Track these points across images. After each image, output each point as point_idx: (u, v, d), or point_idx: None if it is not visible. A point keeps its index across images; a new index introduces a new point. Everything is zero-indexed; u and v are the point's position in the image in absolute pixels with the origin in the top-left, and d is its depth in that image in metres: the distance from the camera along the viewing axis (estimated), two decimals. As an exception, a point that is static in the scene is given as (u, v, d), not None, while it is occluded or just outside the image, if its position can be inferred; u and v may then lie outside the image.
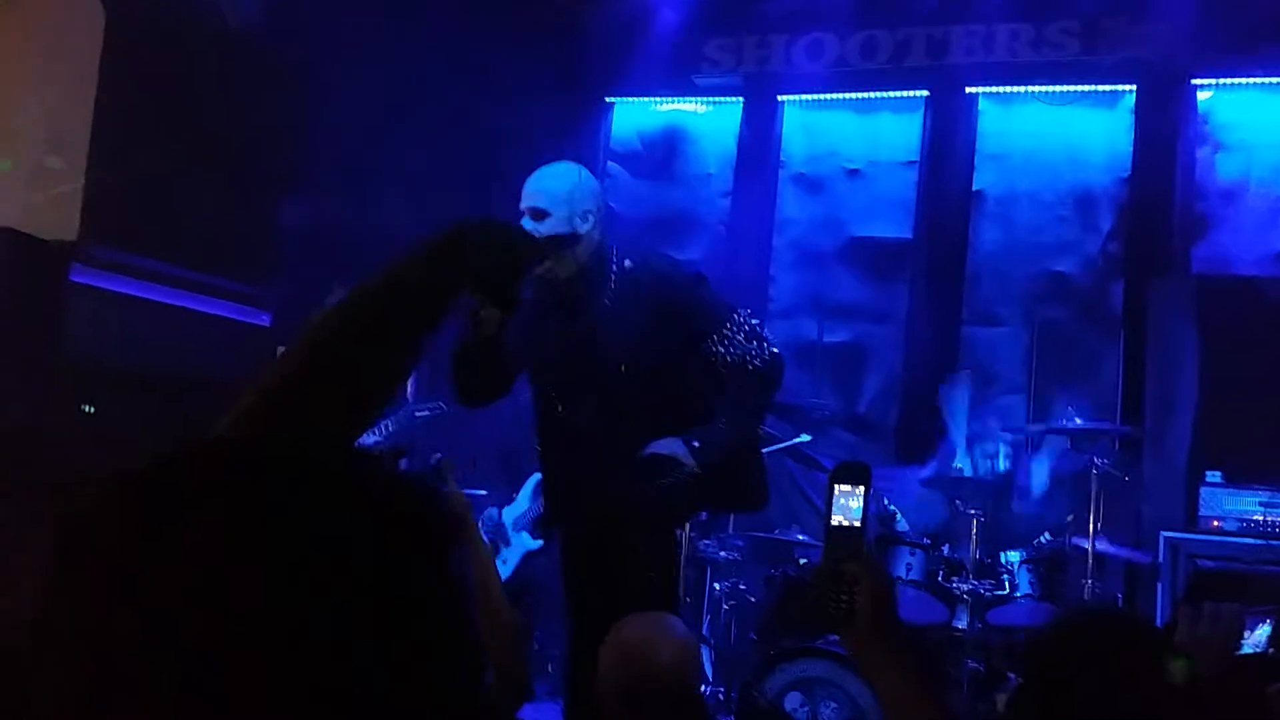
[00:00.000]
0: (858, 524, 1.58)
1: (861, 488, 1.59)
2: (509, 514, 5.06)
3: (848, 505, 1.60)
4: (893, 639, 1.55)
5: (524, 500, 5.06)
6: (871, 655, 1.55)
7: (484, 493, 5.13)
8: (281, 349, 4.68)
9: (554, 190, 3.11)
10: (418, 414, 4.74)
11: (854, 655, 1.58)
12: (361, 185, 6.10)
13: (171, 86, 5.23)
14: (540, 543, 4.84)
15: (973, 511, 4.64)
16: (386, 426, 4.64)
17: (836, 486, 1.59)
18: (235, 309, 6.01)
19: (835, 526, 1.58)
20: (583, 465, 3.15)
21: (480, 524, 4.89)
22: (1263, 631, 2.03)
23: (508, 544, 5.00)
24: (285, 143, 5.83)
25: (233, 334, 5.72)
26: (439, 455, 5.26)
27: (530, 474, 4.90)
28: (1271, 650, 2.01)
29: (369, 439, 4.65)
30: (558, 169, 3.20)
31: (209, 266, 5.79)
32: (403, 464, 5.49)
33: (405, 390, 4.99)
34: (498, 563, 4.91)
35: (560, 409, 3.17)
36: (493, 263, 1.27)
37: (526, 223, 3.09)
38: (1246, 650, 2.00)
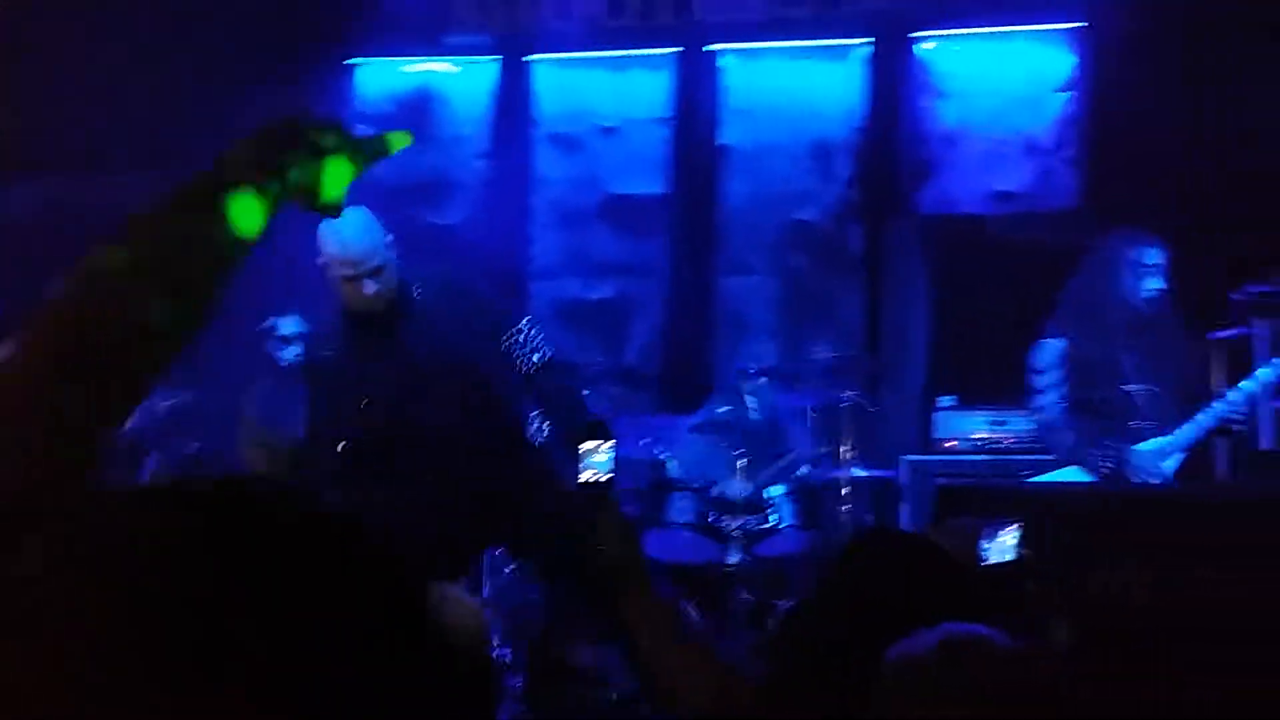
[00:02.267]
0: (608, 478, 1.68)
1: (610, 443, 1.68)
2: None
3: (596, 462, 1.70)
4: (641, 574, 1.65)
5: None
6: (620, 591, 1.66)
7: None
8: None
9: (371, 242, 3.11)
10: (161, 403, 4.52)
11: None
12: (99, 164, 5.75)
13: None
14: None
15: (737, 452, 4.86)
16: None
17: (582, 445, 1.68)
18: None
19: (585, 483, 1.68)
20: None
21: None
22: (1008, 539, 2.14)
23: None
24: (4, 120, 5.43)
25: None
26: (197, 445, 5.05)
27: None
28: (1023, 554, 2.13)
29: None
30: (353, 221, 3.12)
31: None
32: (150, 460, 5.22)
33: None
34: None
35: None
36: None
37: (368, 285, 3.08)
38: (994, 560, 2.14)
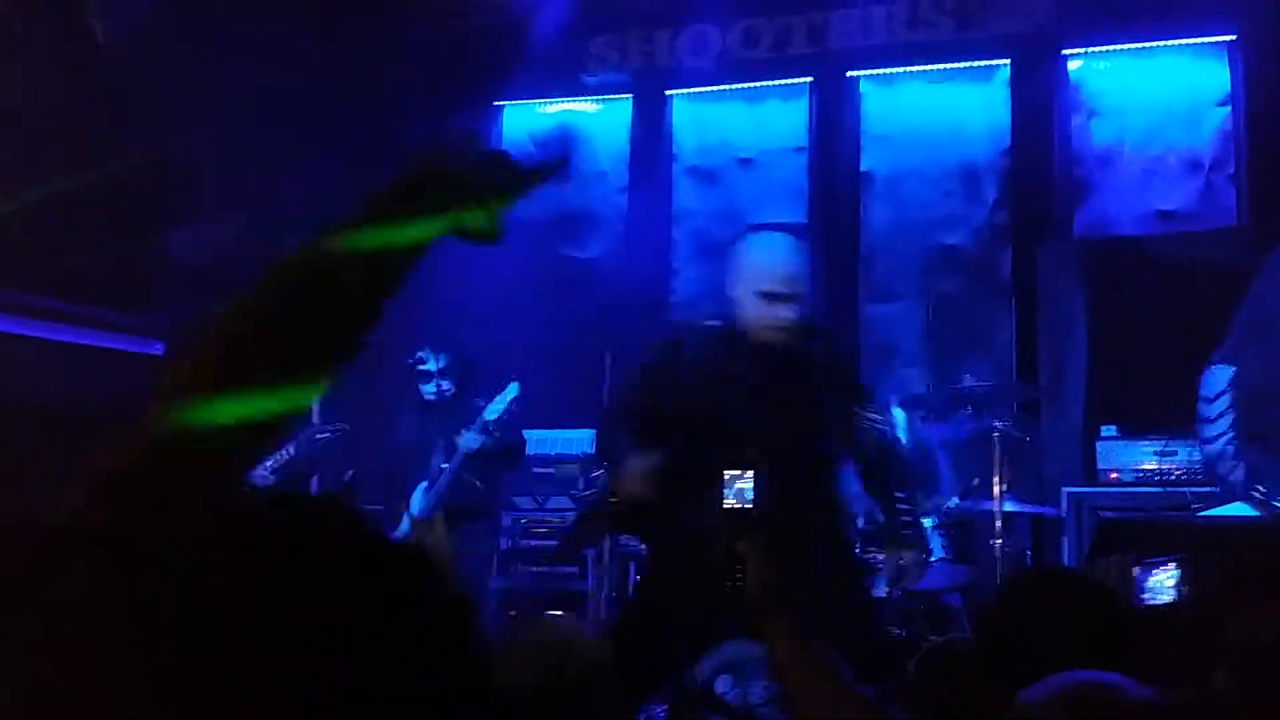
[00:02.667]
0: (749, 507, 1.63)
1: (751, 472, 1.64)
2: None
3: (740, 490, 1.66)
4: (784, 611, 1.60)
5: (415, 512, 4.75)
6: (765, 627, 1.62)
7: (380, 507, 4.95)
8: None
9: (805, 266, 3.01)
10: (319, 436, 4.69)
11: (750, 628, 1.64)
12: (259, 210, 6.01)
13: (51, 118, 5.10)
14: None
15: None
16: (288, 450, 4.58)
17: (726, 472, 1.65)
18: (127, 340, 5.87)
19: (728, 509, 1.64)
20: None
21: None
22: (1166, 578, 2.03)
23: None
24: (173, 170, 5.71)
25: (126, 366, 5.59)
26: (351, 473, 5.22)
27: (414, 487, 4.73)
28: (1183, 592, 2.01)
29: (271, 462, 4.59)
30: (792, 244, 3.05)
31: (95, 299, 5.66)
32: (313, 484, 5.43)
33: (307, 411, 4.92)
34: None
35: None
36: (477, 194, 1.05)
37: (781, 309, 2.96)
38: (1153, 600, 2.02)
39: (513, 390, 4.63)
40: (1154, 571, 2.03)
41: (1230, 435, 3.71)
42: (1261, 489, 3.63)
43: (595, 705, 1.99)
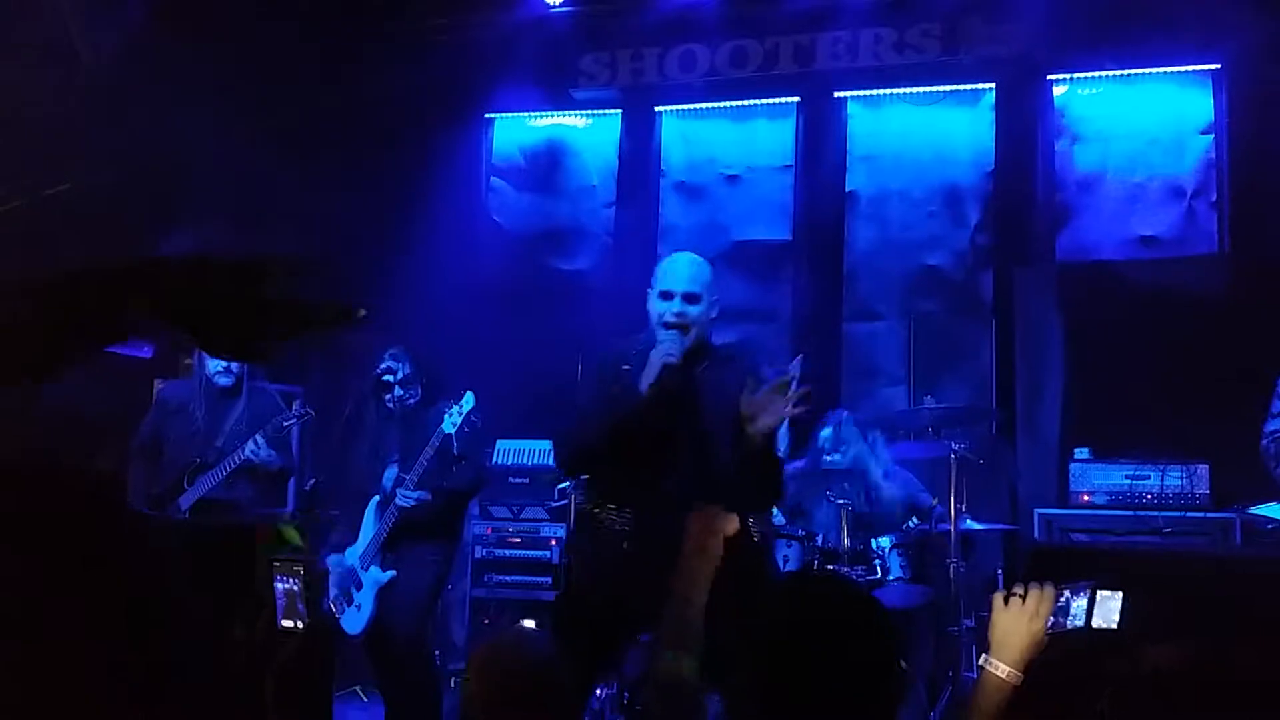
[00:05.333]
0: (1115, 626, 1.76)
1: (1120, 593, 1.77)
2: (353, 554, 4.59)
3: (1110, 607, 1.78)
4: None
5: (368, 529, 4.60)
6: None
7: (337, 513, 4.83)
8: (159, 382, 4.60)
9: (705, 278, 3.33)
10: (285, 423, 4.69)
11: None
12: (247, 216, 6.06)
13: (39, 128, 5.16)
14: (392, 573, 4.48)
15: (842, 502, 4.78)
16: (256, 440, 4.59)
17: (1099, 592, 1.78)
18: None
19: (1097, 629, 1.76)
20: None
21: (329, 569, 4.55)
22: (1079, 606, 2.07)
23: (359, 587, 4.55)
24: (164, 177, 5.77)
25: (113, 367, 5.64)
26: (312, 481, 5.25)
27: (369, 499, 4.61)
28: (1085, 624, 2.05)
29: (247, 451, 4.60)
30: (697, 259, 3.41)
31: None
32: (290, 485, 5.45)
33: (280, 406, 4.96)
34: (351, 609, 4.51)
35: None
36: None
37: (676, 304, 3.24)
38: (1066, 624, 2.05)
39: (469, 401, 4.47)
40: (1073, 597, 2.08)
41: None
42: None
43: (550, 707, 2.05)
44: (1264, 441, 4.09)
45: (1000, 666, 2.00)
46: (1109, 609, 2.10)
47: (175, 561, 0.76)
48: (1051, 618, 2.02)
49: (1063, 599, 2.04)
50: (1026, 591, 2.03)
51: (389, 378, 4.54)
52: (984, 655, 2.04)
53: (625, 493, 3.28)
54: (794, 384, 3.05)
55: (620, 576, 3.20)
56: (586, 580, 3.37)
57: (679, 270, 3.32)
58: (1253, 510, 4.01)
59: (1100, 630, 2.07)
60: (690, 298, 3.25)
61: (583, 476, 3.58)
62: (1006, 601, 2.05)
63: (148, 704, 0.68)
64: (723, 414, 3.21)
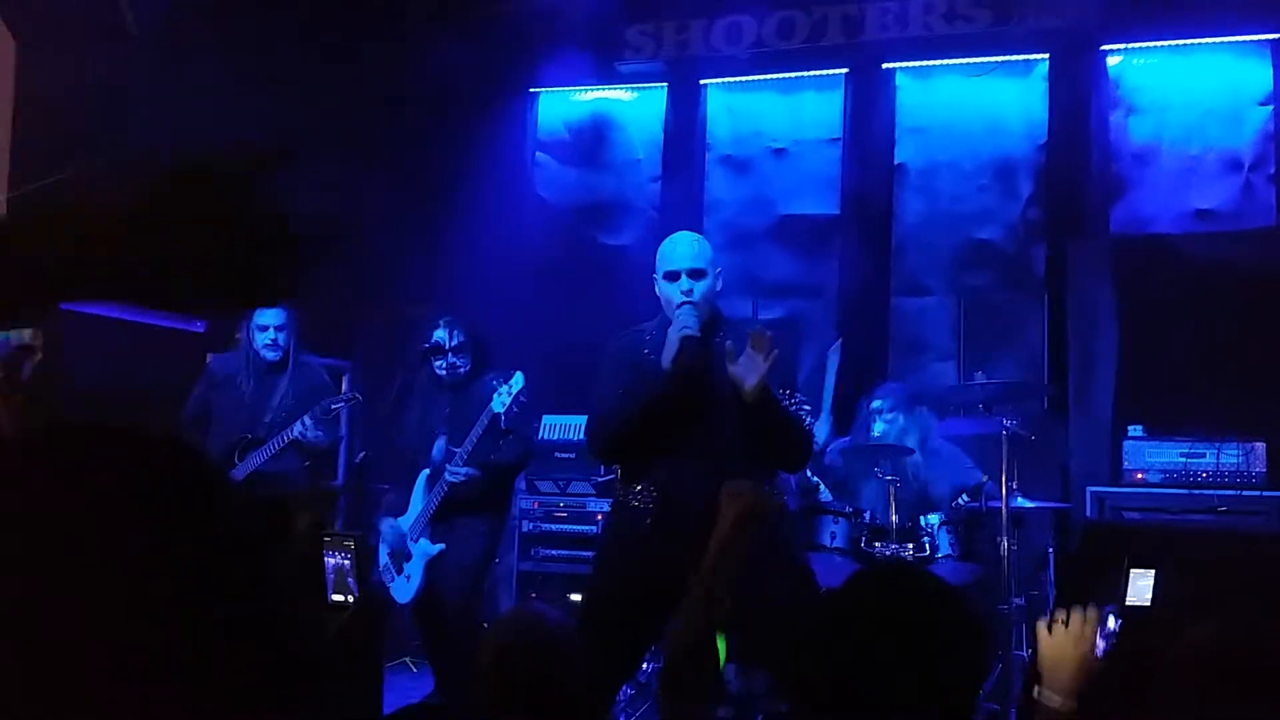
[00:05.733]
0: (1147, 603, 1.75)
1: (1153, 571, 1.77)
2: (405, 523, 4.64)
3: (1139, 586, 1.77)
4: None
5: (417, 502, 4.65)
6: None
7: (387, 487, 4.90)
8: (211, 356, 4.65)
9: (707, 253, 3.45)
10: (333, 406, 4.73)
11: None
12: (292, 188, 6.08)
13: (88, 102, 5.20)
14: (440, 545, 4.55)
15: (890, 478, 4.74)
16: (304, 421, 4.63)
17: (1132, 570, 1.78)
18: (168, 317, 5.98)
19: (1130, 606, 1.76)
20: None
21: (381, 537, 4.63)
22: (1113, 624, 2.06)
23: (409, 558, 4.60)
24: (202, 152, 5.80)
25: (166, 342, 5.70)
26: (362, 454, 5.30)
27: (419, 472, 4.64)
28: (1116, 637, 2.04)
29: (291, 433, 4.64)
30: (695, 236, 3.54)
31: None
32: (340, 459, 5.50)
33: (329, 390, 5.00)
34: (400, 579, 4.61)
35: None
36: None
37: (684, 283, 3.36)
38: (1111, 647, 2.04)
39: (518, 381, 4.49)
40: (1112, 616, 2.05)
41: None
42: None
43: (557, 678, 2.05)
44: None
45: (1053, 698, 1.95)
46: (1142, 587, 2.07)
47: (260, 522, 0.76)
48: (1102, 641, 1.98)
49: (1107, 621, 2.00)
50: (1069, 616, 1.98)
51: (441, 342, 4.58)
52: (1036, 689, 1.99)
53: (649, 471, 3.34)
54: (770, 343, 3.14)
55: (643, 555, 3.27)
56: (611, 562, 3.43)
57: (681, 249, 3.42)
58: None
59: (1133, 607, 2.04)
60: (695, 274, 3.36)
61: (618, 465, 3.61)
62: (1050, 629, 2.00)
63: (237, 668, 0.68)
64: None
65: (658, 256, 3.46)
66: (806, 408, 3.50)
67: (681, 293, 3.31)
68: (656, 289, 3.44)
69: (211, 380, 4.95)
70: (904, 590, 1.67)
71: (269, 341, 4.78)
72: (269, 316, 4.76)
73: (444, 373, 4.64)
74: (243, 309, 4.27)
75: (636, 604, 3.22)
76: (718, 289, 3.44)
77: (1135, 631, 2.11)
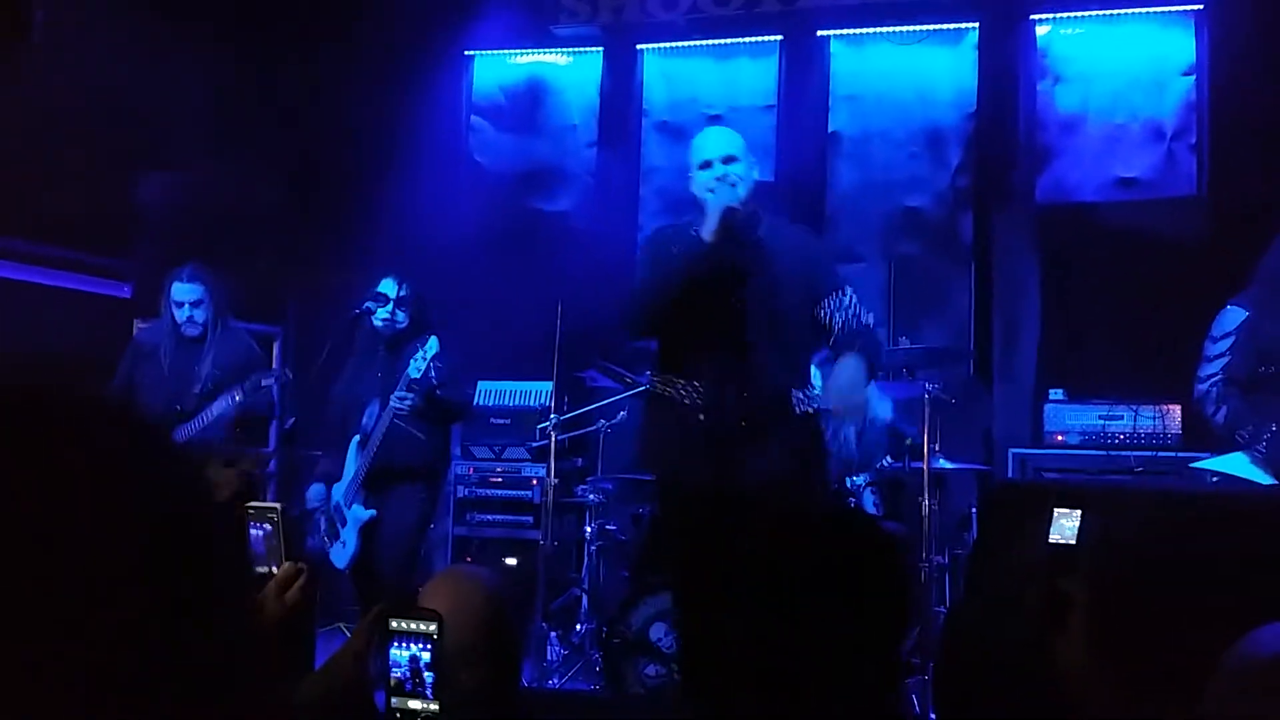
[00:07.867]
0: (1073, 542, 1.79)
1: (1079, 511, 1.80)
2: (339, 490, 4.64)
3: (1064, 526, 1.82)
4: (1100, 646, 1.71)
5: (349, 466, 4.64)
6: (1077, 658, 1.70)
7: (320, 454, 4.88)
8: (139, 321, 4.63)
9: (739, 142, 3.49)
10: (264, 383, 4.72)
11: (1062, 660, 1.70)
12: (222, 156, 6.01)
13: (22, 63, 5.09)
14: (372, 511, 4.57)
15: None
16: (234, 396, 4.62)
17: (1056, 510, 1.82)
18: (94, 282, 5.91)
19: (1053, 544, 1.80)
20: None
21: (314, 504, 4.64)
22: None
23: (344, 523, 4.60)
24: (141, 116, 5.71)
25: (92, 308, 5.64)
26: (291, 420, 5.29)
27: (350, 439, 4.66)
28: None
29: (220, 406, 4.64)
30: (726, 128, 3.65)
31: (64, 241, 5.68)
32: (271, 429, 5.50)
33: (257, 358, 4.99)
34: (337, 545, 4.59)
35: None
36: None
37: (718, 169, 3.40)
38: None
39: (433, 346, 4.44)
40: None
41: (1220, 378, 3.78)
42: (1244, 433, 3.69)
43: (492, 636, 2.10)
44: (1202, 386, 3.82)
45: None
46: (1066, 527, 2.15)
47: (203, 479, 0.72)
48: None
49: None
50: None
51: (388, 293, 4.58)
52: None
53: (694, 364, 3.35)
54: None
55: (699, 448, 3.29)
56: (669, 462, 3.44)
57: (711, 140, 3.51)
58: (1195, 465, 3.96)
59: (1057, 546, 2.13)
60: (728, 159, 3.42)
61: (650, 340, 3.65)
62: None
63: (197, 646, 0.65)
64: (788, 274, 3.38)
65: (691, 150, 3.53)
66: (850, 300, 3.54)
67: (715, 179, 3.37)
68: (692, 186, 3.49)
69: (137, 351, 4.92)
70: (843, 529, 1.66)
71: (186, 318, 4.77)
72: (184, 293, 4.74)
73: (382, 324, 4.63)
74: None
75: (700, 503, 3.26)
76: (754, 175, 3.49)
77: (1059, 570, 2.19)
